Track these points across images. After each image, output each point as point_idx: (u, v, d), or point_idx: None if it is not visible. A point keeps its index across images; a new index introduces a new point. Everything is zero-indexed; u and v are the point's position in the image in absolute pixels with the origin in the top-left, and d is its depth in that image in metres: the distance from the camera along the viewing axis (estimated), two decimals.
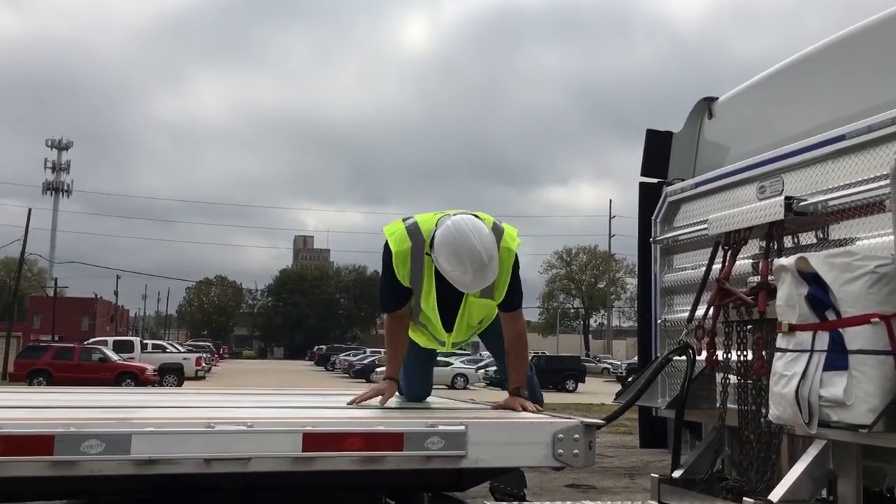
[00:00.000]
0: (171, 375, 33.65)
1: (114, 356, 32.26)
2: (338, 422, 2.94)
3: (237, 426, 2.70)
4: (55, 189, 78.30)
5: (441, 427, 2.85)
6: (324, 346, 76.08)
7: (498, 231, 3.78)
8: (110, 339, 39.56)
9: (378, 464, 2.79)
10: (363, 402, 3.89)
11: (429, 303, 3.93)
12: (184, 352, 42.28)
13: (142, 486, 2.96)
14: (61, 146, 79.37)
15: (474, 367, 44.99)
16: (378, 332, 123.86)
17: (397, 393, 4.15)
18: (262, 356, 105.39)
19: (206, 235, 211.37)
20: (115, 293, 77.84)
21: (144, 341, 43.94)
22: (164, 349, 42.27)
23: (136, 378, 30.06)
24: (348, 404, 3.82)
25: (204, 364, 39.64)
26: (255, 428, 2.71)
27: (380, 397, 3.91)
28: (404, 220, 3.89)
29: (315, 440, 2.73)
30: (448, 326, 4.03)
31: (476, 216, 3.81)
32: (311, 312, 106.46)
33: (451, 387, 38.86)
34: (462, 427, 2.85)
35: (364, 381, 43.13)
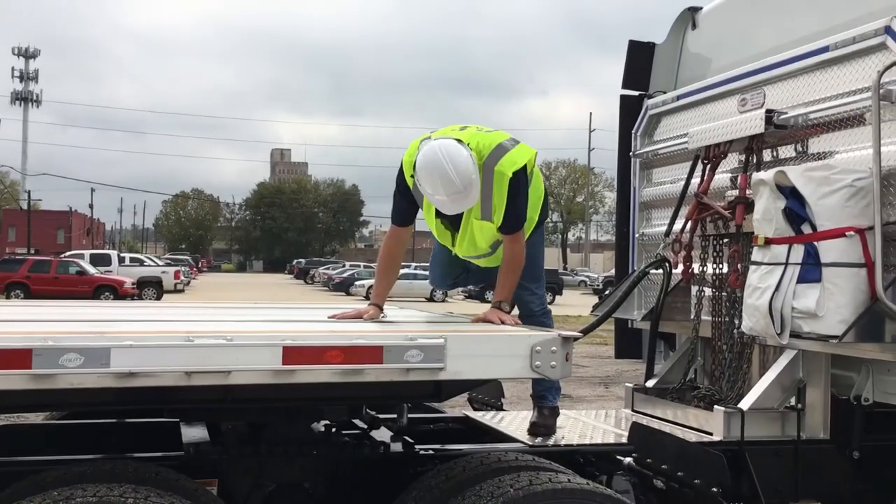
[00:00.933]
0: (150, 289, 33.64)
1: (91, 269, 32.10)
2: (318, 335, 2.95)
3: (217, 339, 2.70)
4: (24, 99, 76.01)
5: (420, 340, 2.87)
6: (303, 260, 76.19)
7: (499, 152, 3.74)
8: (87, 253, 39.21)
9: (358, 376, 2.82)
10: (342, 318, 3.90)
11: (429, 216, 3.98)
12: (162, 265, 42.18)
13: (122, 399, 2.99)
14: (28, 54, 76.75)
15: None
16: (357, 245, 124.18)
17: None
18: (241, 270, 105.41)
19: (181, 148, 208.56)
20: (91, 206, 76.83)
21: (122, 255, 43.75)
22: (142, 262, 42.12)
23: (115, 291, 30.00)
24: (329, 318, 3.84)
25: (183, 277, 39.60)
26: (235, 341, 2.71)
27: (357, 319, 3.87)
28: (429, 135, 3.88)
29: (295, 353, 2.74)
30: (452, 241, 4.07)
31: (489, 132, 3.83)
32: (289, 226, 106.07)
33: (430, 299, 39.25)
34: (441, 340, 2.88)
35: (343, 294, 43.43)
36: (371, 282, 42.97)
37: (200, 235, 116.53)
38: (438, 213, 3.91)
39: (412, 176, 3.77)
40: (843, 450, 3.92)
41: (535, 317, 4.17)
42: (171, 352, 2.66)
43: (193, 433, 3.69)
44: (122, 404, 3.24)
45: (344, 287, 45.07)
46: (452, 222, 3.95)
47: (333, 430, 3.65)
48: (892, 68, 3.49)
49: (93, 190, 77.41)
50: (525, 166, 3.80)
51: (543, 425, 4.10)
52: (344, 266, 60.64)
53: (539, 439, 3.97)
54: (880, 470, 4.00)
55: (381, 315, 3.88)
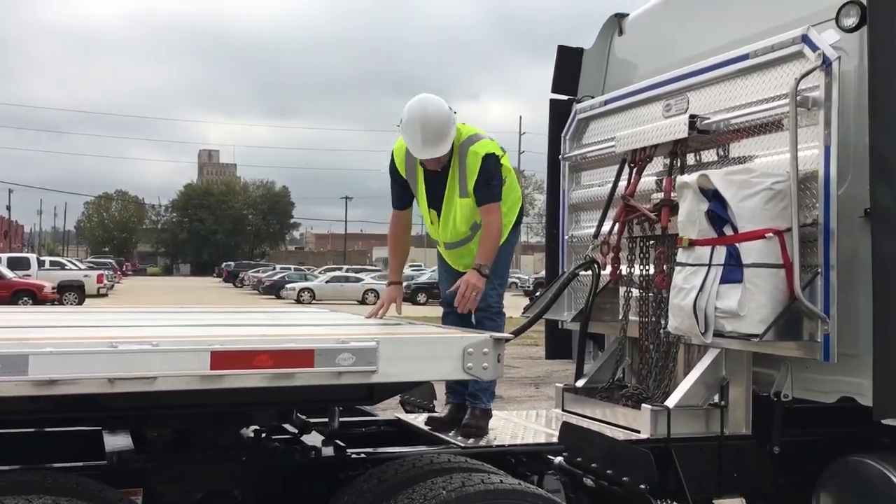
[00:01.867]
0: (72, 293, 32.57)
1: (9, 273, 30.91)
2: (247, 339, 2.90)
3: (142, 345, 2.64)
4: None
5: (352, 343, 2.85)
6: (232, 263, 74.93)
7: (476, 138, 4.19)
8: (4, 256, 37.67)
9: (288, 380, 2.78)
10: (378, 314, 4.21)
11: (419, 195, 4.33)
12: (84, 269, 40.86)
13: (42, 408, 2.89)
14: None
15: (384, 282, 45.17)
16: (287, 247, 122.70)
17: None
18: (167, 273, 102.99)
19: (104, 148, 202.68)
20: (8, 208, 74.17)
21: (41, 258, 42.19)
22: (62, 266, 40.69)
23: (34, 296, 28.97)
24: (367, 317, 4.19)
25: (106, 281, 38.46)
26: (161, 346, 2.65)
27: (393, 305, 4.29)
28: None
29: (223, 358, 2.69)
30: (437, 222, 4.33)
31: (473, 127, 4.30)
32: (218, 228, 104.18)
33: (363, 302, 39.06)
34: (373, 343, 2.86)
35: (274, 297, 42.83)
36: (302, 284, 42.80)
37: (125, 238, 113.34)
38: (429, 195, 4.25)
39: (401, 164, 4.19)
40: (764, 445, 4.04)
41: (490, 311, 4.29)
42: (93, 358, 2.58)
43: (117, 441, 3.59)
44: (41, 413, 3.13)
45: (274, 290, 44.45)
46: (437, 205, 4.27)
47: (263, 435, 3.60)
48: (809, 76, 3.62)
49: (10, 191, 74.63)
50: (497, 155, 4.18)
51: (475, 426, 4.12)
52: (274, 269, 59.89)
53: (471, 440, 3.99)
54: (799, 464, 4.14)
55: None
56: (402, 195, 4.42)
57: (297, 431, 3.75)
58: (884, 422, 3.56)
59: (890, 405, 3.48)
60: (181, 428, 3.37)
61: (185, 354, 2.68)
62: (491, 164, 4.14)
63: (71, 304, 30.55)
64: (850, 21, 3.65)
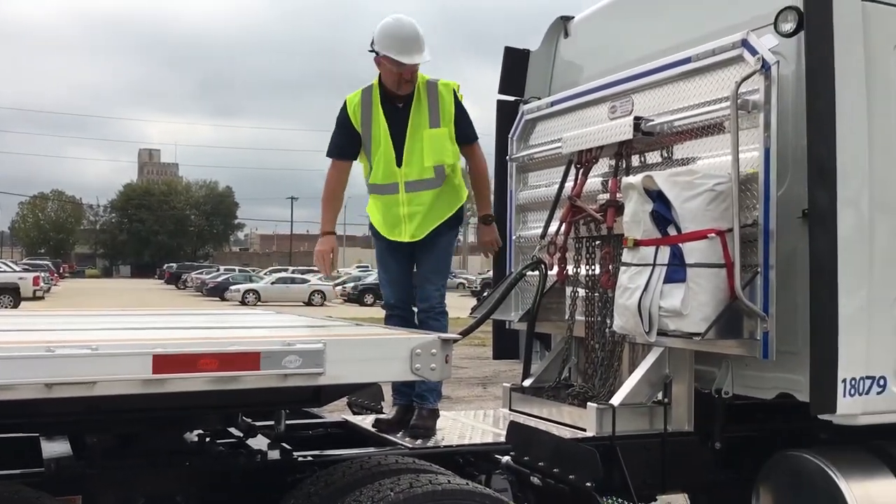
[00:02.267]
0: (6, 296, 31.64)
1: None
2: (191, 342, 2.85)
3: (81, 349, 2.57)
4: None
5: (299, 345, 2.82)
6: (174, 264, 73.61)
7: (434, 78, 4.37)
8: None
9: (234, 384, 2.74)
10: (329, 270, 4.46)
11: (379, 138, 4.31)
12: (19, 271, 39.68)
13: None
14: None
15: (332, 283, 44.96)
16: (231, 248, 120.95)
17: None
18: (106, 275, 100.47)
19: (40, 147, 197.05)
20: None
21: None
22: None
23: None
24: (326, 277, 4.13)
25: (43, 284, 37.37)
26: (101, 350, 2.58)
27: (331, 255, 4.41)
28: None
29: (166, 362, 2.63)
30: (399, 160, 4.31)
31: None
32: (159, 229, 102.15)
33: (309, 303, 38.73)
34: (320, 345, 2.83)
35: (218, 299, 42.17)
36: (247, 286, 42.25)
37: (62, 239, 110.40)
38: (391, 131, 4.28)
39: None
40: (706, 441, 4.12)
41: (434, 311, 4.32)
42: (29, 363, 2.50)
43: (55, 448, 3.49)
44: None
45: (218, 292, 43.74)
46: (401, 137, 4.28)
47: (208, 439, 3.53)
48: (749, 79, 3.70)
49: None
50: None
51: (423, 427, 4.11)
52: (218, 270, 58.97)
53: (419, 441, 3.98)
54: (740, 459, 4.23)
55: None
56: (345, 147, 4.43)
57: (242, 435, 3.70)
58: (820, 417, 3.66)
59: (826, 401, 3.57)
60: (122, 433, 3.29)
61: (126, 358, 2.62)
62: (460, 102, 4.35)
63: (5, 307, 29.65)
64: (788, 26, 3.75)
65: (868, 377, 3.66)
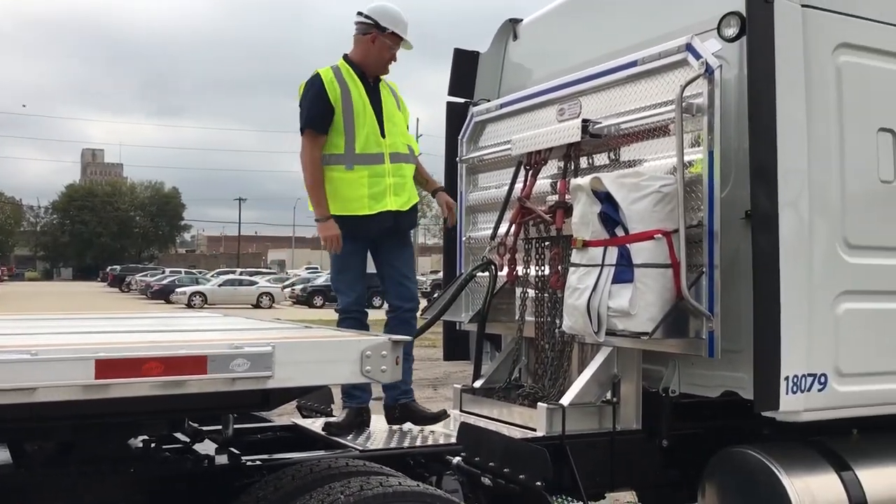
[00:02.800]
0: None
1: None
2: (135, 346, 2.78)
3: (20, 354, 2.49)
4: None
5: (247, 348, 2.77)
6: (118, 267, 72.06)
7: None
8: None
9: (180, 388, 2.68)
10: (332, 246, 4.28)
11: (362, 110, 4.34)
12: None
13: None
14: None
15: (280, 285, 44.50)
16: (177, 250, 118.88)
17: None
18: (47, 277, 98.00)
19: None
20: None
21: None
22: None
23: None
24: (333, 250, 4.26)
25: None
26: (41, 356, 2.51)
27: (336, 241, 4.28)
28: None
29: (109, 366, 2.56)
30: (382, 132, 4.37)
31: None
32: (102, 231, 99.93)
33: (257, 306, 38.28)
34: (269, 347, 2.79)
35: (163, 302, 41.41)
36: (194, 288, 41.51)
37: (0, 241, 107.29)
38: (373, 106, 4.36)
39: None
40: (653, 439, 4.18)
41: (415, 309, 4.46)
42: None
43: None
44: None
45: (164, 294, 42.97)
46: (377, 109, 4.39)
47: (153, 445, 3.46)
48: (693, 83, 3.77)
49: None
50: None
51: (336, 424, 4.16)
52: (164, 272, 57.95)
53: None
54: (687, 457, 4.30)
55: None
56: (324, 119, 4.32)
57: (189, 440, 3.63)
58: (764, 414, 3.74)
59: (770, 398, 3.65)
60: (64, 440, 3.21)
61: (68, 363, 2.55)
62: None
63: None
64: (731, 31, 3.82)
65: (810, 374, 3.76)
